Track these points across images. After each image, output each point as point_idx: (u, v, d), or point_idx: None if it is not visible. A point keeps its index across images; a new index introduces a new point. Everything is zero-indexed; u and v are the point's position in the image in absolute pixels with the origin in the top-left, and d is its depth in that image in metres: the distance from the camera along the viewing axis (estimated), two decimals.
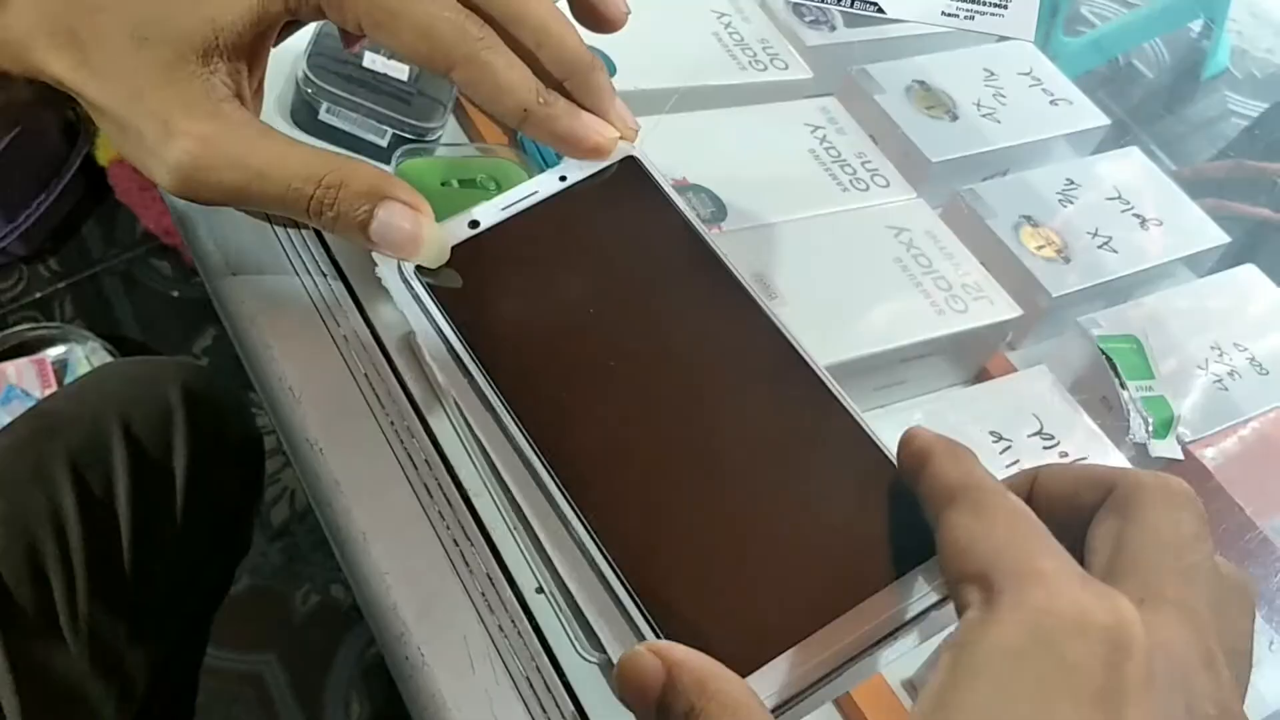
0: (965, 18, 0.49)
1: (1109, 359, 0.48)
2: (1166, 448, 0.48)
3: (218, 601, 0.73)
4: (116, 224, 1.38)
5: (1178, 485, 0.27)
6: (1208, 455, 0.50)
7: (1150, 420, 0.47)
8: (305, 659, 1.11)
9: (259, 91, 0.36)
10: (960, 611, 0.25)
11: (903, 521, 0.29)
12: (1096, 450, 0.49)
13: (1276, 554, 0.47)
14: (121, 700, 0.60)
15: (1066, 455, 0.48)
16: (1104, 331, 0.51)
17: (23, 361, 1.18)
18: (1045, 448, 0.48)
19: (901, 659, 0.45)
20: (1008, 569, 0.24)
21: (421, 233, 0.32)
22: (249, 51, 0.33)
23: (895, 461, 0.29)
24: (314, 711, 1.08)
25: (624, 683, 0.25)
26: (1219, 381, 0.53)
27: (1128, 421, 0.47)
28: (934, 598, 0.28)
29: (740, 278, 0.33)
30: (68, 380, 1.18)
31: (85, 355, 1.20)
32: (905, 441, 0.29)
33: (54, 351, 1.21)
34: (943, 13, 0.49)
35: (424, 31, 0.32)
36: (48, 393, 1.15)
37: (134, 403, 0.65)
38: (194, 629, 0.71)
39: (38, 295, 1.31)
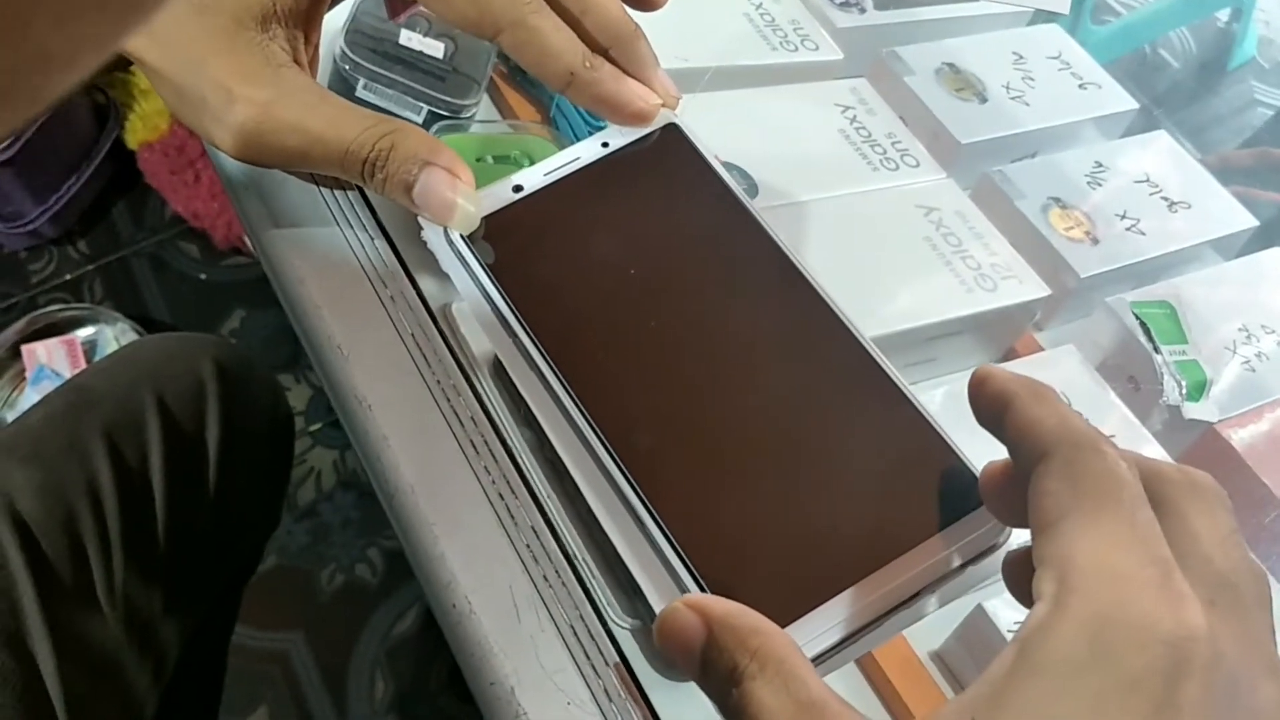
0: None
1: (1143, 324, 0.49)
2: (1200, 410, 0.48)
3: (247, 576, 0.74)
4: (145, 207, 1.39)
5: (1205, 479, 0.26)
6: (1235, 434, 0.50)
7: (1184, 383, 0.48)
8: (330, 638, 1.12)
9: (315, 56, 0.37)
10: (1035, 595, 0.24)
11: (945, 476, 0.29)
12: (1125, 429, 0.49)
13: None
14: (155, 671, 0.61)
15: None
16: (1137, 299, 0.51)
17: (53, 342, 1.19)
18: None
19: (930, 632, 0.46)
20: (1084, 563, 0.23)
21: (456, 199, 0.33)
22: (305, 18, 0.34)
23: (931, 419, 0.30)
24: (338, 690, 1.09)
25: (664, 640, 0.25)
26: (1246, 363, 0.53)
27: (1161, 385, 0.47)
28: (976, 550, 0.29)
29: (779, 241, 0.33)
30: None
31: (115, 336, 1.22)
32: (979, 382, 0.27)
33: (84, 332, 1.22)
34: None
35: None
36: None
37: (168, 377, 0.66)
38: (224, 602, 0.72)
39: (67, 277, 1.33)
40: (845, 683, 0.44)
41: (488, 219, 0.33)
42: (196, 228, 1.35)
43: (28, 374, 1.18)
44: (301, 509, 1.19)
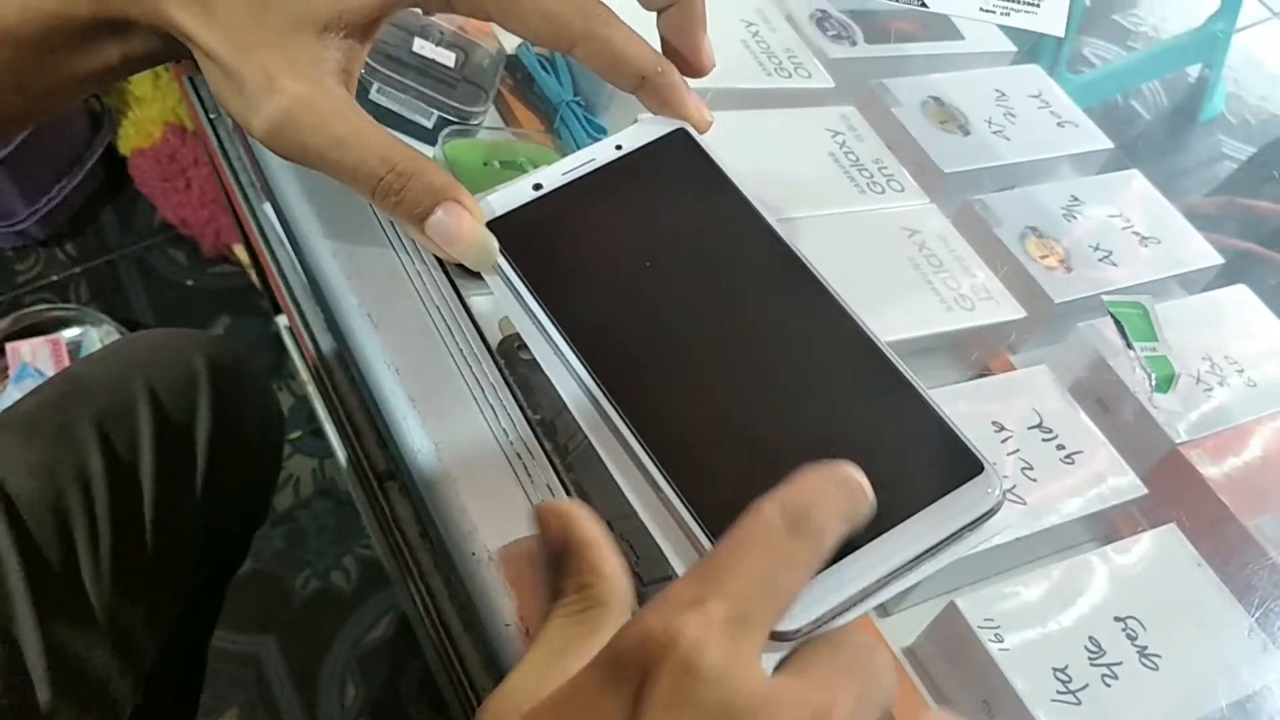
0: (1001, 14, 0.52)
1: (1117, 321, 0.52)
2: (1168, 401, 0.51)
3: (233, 570, 0.75)
4: (135, 213, 1.40)
5: None
6: (1197, 457, 0.53)
7: (1153, 375, 0.51)
8: (303, 643, 1.13)
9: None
10: None
11: (942, 448, 0.32)
12: (1095, 448, 0.51)
13: (1259, 549, 0.50)
14: (137, 661, 0.61)
15: (1064, 449, 0.51)
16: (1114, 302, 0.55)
17: (37, 341, 1.20)
18: (1044, 440, 0.51)
19: (902, 629, 0.48)
20: None
21: (476, 237, 0.35)
22: (364, 33, 0.36)
23: (929, 397, 0.32)
24: (309, 694, 1.09)
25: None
26: (1209, 391, 0.55)
27: (1133, 377, 0.51)
28: (973, 516, 0.31)
29: (782, 235, 0.36)
30: None
31: (100, 337, 1.22)
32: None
33: (69, 333, 1.22)
34: (981, 9, 0.53)
35: (547, 15, 0.35)
36: None
37: (161, 369, 0.67)
38: (209, 595, 0.72)
39: (54, 279, 1.33)
40: None
41: (510, 214, 0.35)
42: (185, 235, 1.36)
43: (11, 372, 1.18)
44: (279, 514, 1.20)
